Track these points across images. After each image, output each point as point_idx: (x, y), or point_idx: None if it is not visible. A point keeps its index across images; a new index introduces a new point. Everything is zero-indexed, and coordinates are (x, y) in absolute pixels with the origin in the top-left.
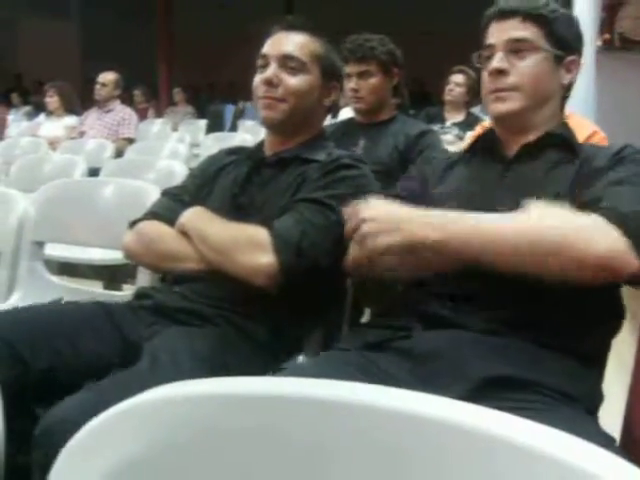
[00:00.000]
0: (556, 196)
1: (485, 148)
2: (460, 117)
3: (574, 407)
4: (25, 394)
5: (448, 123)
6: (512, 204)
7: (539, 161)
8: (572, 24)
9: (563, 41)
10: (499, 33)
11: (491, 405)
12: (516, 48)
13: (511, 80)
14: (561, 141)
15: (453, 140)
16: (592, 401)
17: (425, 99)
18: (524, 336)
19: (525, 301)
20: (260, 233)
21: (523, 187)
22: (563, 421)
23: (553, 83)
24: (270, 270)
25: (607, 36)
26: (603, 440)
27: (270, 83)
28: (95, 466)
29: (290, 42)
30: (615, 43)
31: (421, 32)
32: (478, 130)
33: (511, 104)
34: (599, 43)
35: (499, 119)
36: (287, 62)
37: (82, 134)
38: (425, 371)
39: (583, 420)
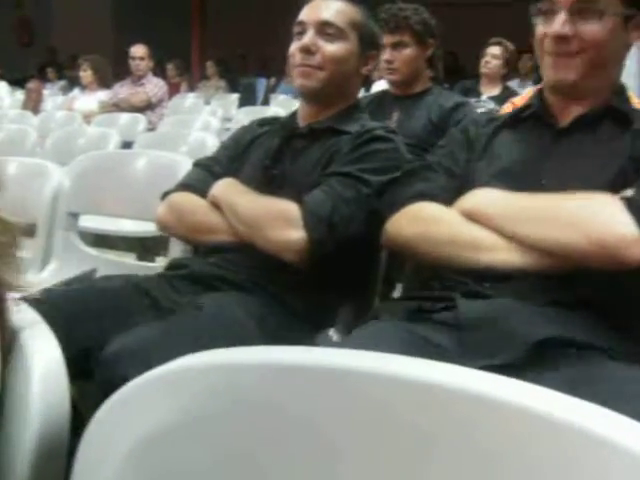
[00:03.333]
0: (612, 176)
1: (534, 115)
2: (496, 91)
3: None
4: None
5: (484, 97)
6: (557, 179)
7: (592, 135)
8: None
9: None
10: None
11: (544, 372)
12: (583, 8)
13: (575, 46)
14: (617, 114)
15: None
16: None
17: (459, 73)
18: (567, 308)
19: (566, 282)
20: (291, 208)
21: (573, 161)
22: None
23: (619, 47)
24: (300, 246)
25: None
26: None
27: (307, 50)
28: (126, 432)
29: (328, 8)
30: None
31: (454, 3)
32: (508, 106)
33: (572, 73)
34: None
35: (556, 87)
36: (325, 29)
37: (116, 105)
38: (471, 340)
39: None
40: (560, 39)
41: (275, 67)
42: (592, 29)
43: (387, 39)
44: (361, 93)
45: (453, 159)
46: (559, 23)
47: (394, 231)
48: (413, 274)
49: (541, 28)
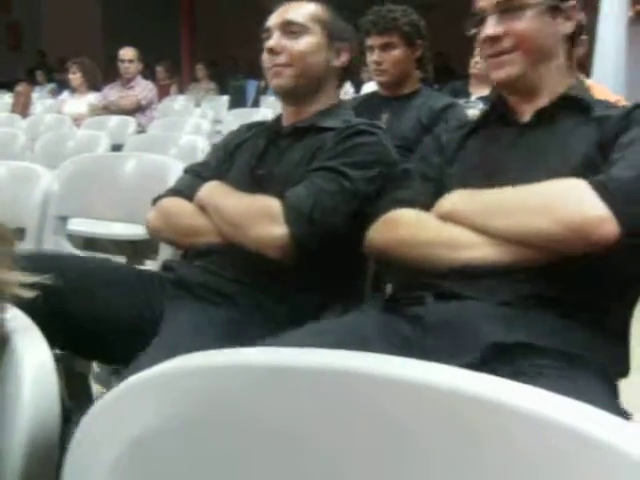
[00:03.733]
0: (578, 162)
1: (497, 116)
2: (486, 91)
3: (589, 375)
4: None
5: (473, 97)
6: (524, 171)
7: (555, 126)
8: None
9: None
10: None
11: (499, 372)
12: (507, 8)
13: (506, 44)
14: (576, 103)
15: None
16: (614, 370)
17: (449, 74)
18: (540, 308)
19: (540, 276)
20: (272, 204)
21: (537, 154)
22: (576, 389)
23: (553, 36)
24: (282, 241)
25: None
26: (616, 411)
27: (273, 51)
28: (114, 436)
29: (289, 11)
30: None
31: (445, 5)
32: None
33: (510, 69)
34: (631, 14)
35: (502, 85)
36: (287, 28)
37: (106, 108)
38: (435, 339)
39: (597, 390)
40: (493, 40)
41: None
42: (521, 25)
43: (376, 40)
44: (351, 95)
45: (427, 164)
46: (489, 26)
47: (373, 238)
48: (395, 275)
49: (478, 38)
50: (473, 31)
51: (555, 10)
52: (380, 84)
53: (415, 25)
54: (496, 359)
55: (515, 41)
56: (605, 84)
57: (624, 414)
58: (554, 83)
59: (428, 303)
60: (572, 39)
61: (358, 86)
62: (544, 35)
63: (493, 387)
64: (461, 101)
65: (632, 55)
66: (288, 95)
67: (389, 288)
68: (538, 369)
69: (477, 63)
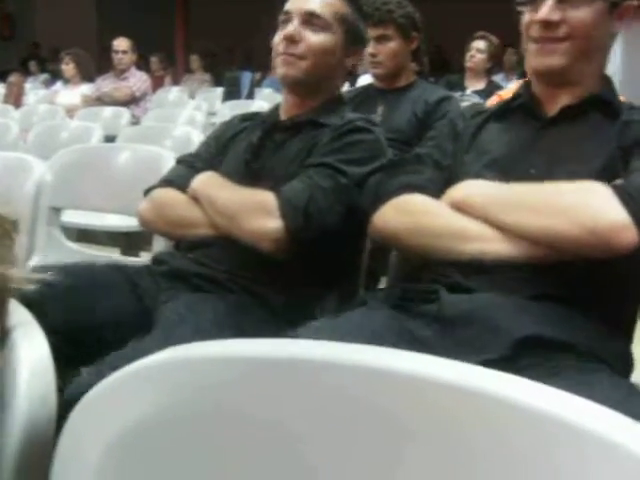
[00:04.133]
0: (600, 164)
1: (521, 106)
2: (481, 85)
3: (607, 370)
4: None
5: (469, 91)
6: (546, 168)
7: (580, 125)
8: None
9: None
10: None
11: (524, 368)
12: None
13: (562, 32)
14: (605, 105)
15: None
16: (624, 364)
17: (445, 67)
18: (552, 302)
19: (549, 274)
20: (267, 198)
21: (559, 152)
22: (599, 386)
23: (605, 35)
24: (277, 235)
25: (637, 2)
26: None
27: (291, 39)
28: (105, 427)
29: (314, 0)
30: None
31: None
32: (494, 99)
33: (558, 59)
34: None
35: (543, 74)
36: (310, 19)
37: (99, 99)
38: (456, 335)
39: (619, 383)
40: (547, 24)
41: (260, 60)
42: (579, 15)
43: (371, 32)
44: (346, 87)
45: (441, 151)
46: (547, 8)
47: (381, 223)
48: (398, 266)
49: (527, 16)
50: (522, 8)
51: (613, 7)
52: (375, 76)
53: (410, 17)
54: (521, 354)
55: (570, 31)
56: None
57: None
58: (590, 80)
59: (442, 297)
60: (613, 39)
61: (354, 78)
62: (598, 31)
63: (485, 380)
64: (456, 94)
65: (627, 54)
66: (293, 86)
67: (383, 280)
68: (563, 363)
69: (472, 57)
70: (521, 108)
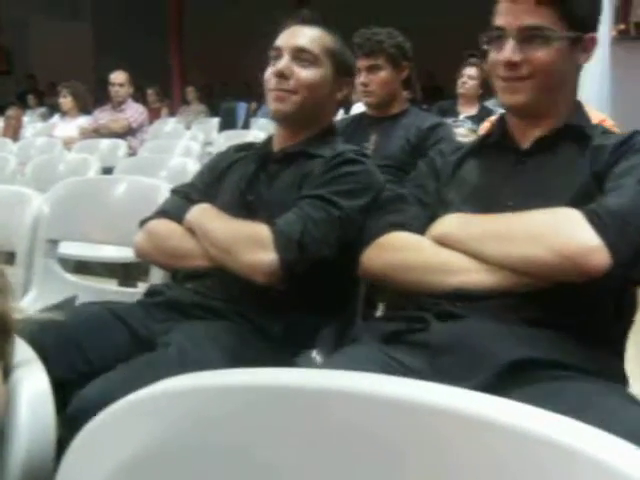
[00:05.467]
0: (575, 192)
1: (497, 140)
2: (473, 110)
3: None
4: None
5: (461, 116)
6: (523, 199)
7: (553, 155)
8: None
9: (581, 20)
10: (511, 16)
11: (515, 390)
12: (530, 36)
13: (525, 71)
14: (577, 132)
15: (466, 133)
16: (616, 382)
17: (437, 93)
18: (540, 327)
19: (531, 301)
20: (262, 230)
21: (535, 183)
22: (597, 391)
23: (569, 68)
24: (271, 267)
25: (622, 26)
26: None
27: (282, 75)
28: (104, 458)
29: (303, 35)
30: (631, 32)
31: (433, 26)
32: (486, 125)
33: (524, 95)
34: (614, 33)
35: (512, 110)
36: (300, 55)
37: (97, 131)
38: (444, 363)
39: (615, 388)
40: (510, 65)
41: (256, 91)
42: (540, 55)
43: (362, 62)
44: (341, 115)
45: (422, 189)
46: (509, 50)
47: (367, 262)
48: (391, 296)
49: (493, 55)
50: (486, 46)
51: (577, 42)
52: (367, 105)
53: (401, 47)
54: (510, 377)
55: (532, 70)
56: (590, 102)
57: None
58: (560, 111)
59: (431, 325)
60: (580, 69)
61: (347, 106)
62: (562, 66)
63: (477, 403)
64: (449, 120)
65: (615, 74)
66: (286, 120)
67: (381, 307)
68: (555, 377)
69: (464, 83)
70: (497, 142)
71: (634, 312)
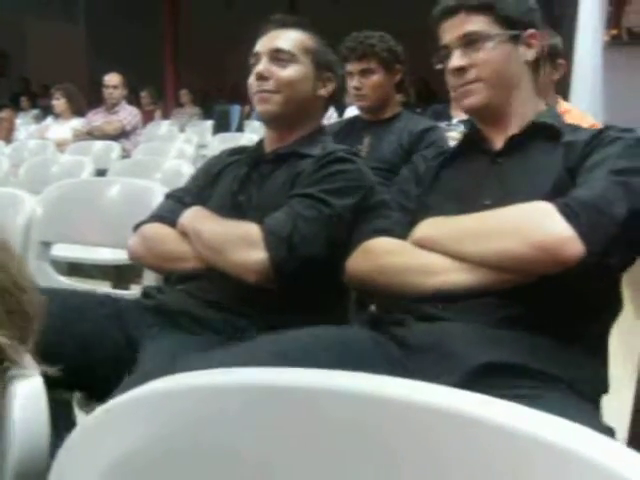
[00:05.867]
0: (550, 188)
1: (471, 144)
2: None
3: (571, 394)
4: None
5: (454, 120)
6: (499, 198)
7: (526, 153)
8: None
9: (513, 20)
10: (450, 31)
11: (481, 393)
12: (469, 41)
13: (472, 74)
14: (546, 129)
15: (459, 137)
16: (594, 388)
17: (432, 98)
18: (515, 330)
19: (512, 299)
20: (252, 229)
21: (509, 181)
22: (558, 409)
23: (516, 64)
24: (262, 266)
25: (615, 31)
26: (600, 429)
27: (262, 77)
28: (97, 458)
29: (279, 37)
30: (623, 38)
31: (426, 30)
32: None
33: (478, 96)
34: (607, 39)
35: (471, 113)
36: (277, 55)
37: (90, 134)
38: (418, 361)
39: (581, 409)
40: (459, 71)
41: (247, 94)
42: (482, 55)
43: (354, 66)
44: (334, 119)
45: (405, 195)
46: (454, 58)
47: (351, 268)
48: (376, 299)
49: (447, 65)
50: (439, 66)
51: (516, 39)
52: (360, 108)
53: (393, 50)
54: (477, 380)
55: (478, 72)
56: (583, 107)
57: (608, 430)
58: (522, 109)
59: (410, 325)
60: (536, 65)
61: (341, 110)
62: (505, 64)
63: (468, 403)
64: (442, 124)
65: (608, 78)
66: (273, 121)
67: (372, 308)
68: (517, 390)
69: None
70: (471, 145)
71: (616, 312)
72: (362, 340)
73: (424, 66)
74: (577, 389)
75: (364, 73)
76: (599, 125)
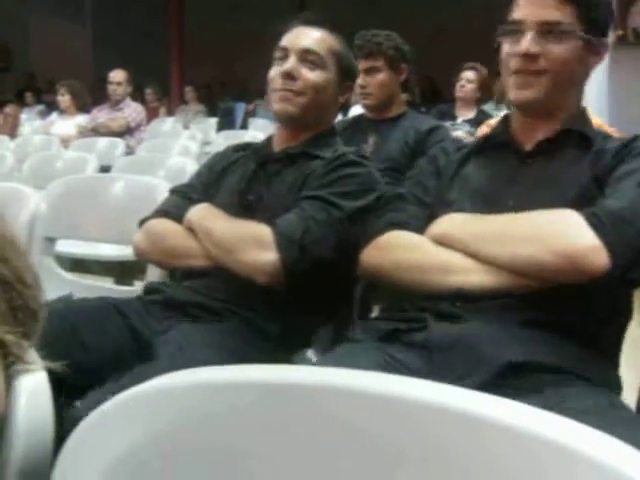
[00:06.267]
0: (576, 195)
1: (500, 140)
2: (471, 114)
3: (589, 385)
4: None
5: (459, 120)
6: (522, 201)
7: (555, 158)
8: (609, 5)
9: (598, 24)
10: (530, 9)
11: (509, 391)
12: (548, 30)
13: (541, 65)
14: (579, 136)
15: (464, 137)
16: (610, 387)
17: (436, 97)
18: (537, 330)
19: (536, 301)
20: (263, 231)
21: (536, 185)
22: (589, 399)
23: (581, 69)
24: (273, 268)
25: (620, 32)
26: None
27: (289, 76)
28: (100, 454)
29: (310, 37)
30: (629, 38)
31: (432, 30)
32: (484, 129)
33: (537, 91)
34: (613, 39)
35: (521, 106)
36: (307, 56)
37: (95, 130)
38: (441, 362)
39: (610, 397)
40: (527, 57)
41: (254, 91)
42: (557, 49)
43: (361, 64)
44: (339, 118)
45: (423, 188)
46: (527, 42)
47: (367, 261)
48: (389, 296)
49: (507, 47)
50: (504, 38)
51: (591, 45)
52: (366, 107)
53: (399, 49)
54: (505, 380)
55: (547, 65)
56: (589, 107)
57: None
58: (567, 112)
59: (430, 325)
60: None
61: (346, 109)
62: (574, 66)
63: (474, 403)
64: (447, 123)
65: (614, 78)
66: (289, 121)
67: (376, 309)
68: (551, 381)
69: (463, 87)
70: (499, 143)
71: (629, 317)
72: (371, 358)
73: (430, 66)
74: (598, 386)
75: (370, 71)
76: (606, 126)
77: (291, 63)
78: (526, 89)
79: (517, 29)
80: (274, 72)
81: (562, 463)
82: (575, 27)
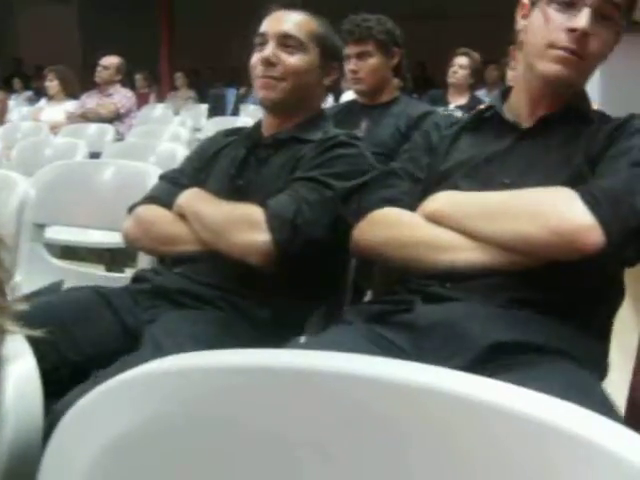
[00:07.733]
0: (570, 172)
1: (496, 116)
2: (463, 100)
3: (580, 369)
4: None
5: (451, 106)
6: (519, 178)
7: (553, 135)
8: None
9: (630, 12)
10: None
11: (495, 371)
12: (605, 15)
13: (591, 47)
14: (579, 114)
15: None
16: (597, 369)
17: (428, 83)
18: (526, 309)
19: (522, 280)
20: (255, 211)
21: (533, 162)
22: (569, 382)
23: (606, 52)
24: (265, 248)
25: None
26: (606, 403)
27: (268, 62)
28: (90, 440)
29: (289, 20)
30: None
31: (423, 15)
32: None
33: (575, 71)
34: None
35: (553, 82)
36: (285, 41)
37: (84, 116)
38: (427, 343)
39: (588, 380)
40: (583, 36)
41: (245, 77)
42: (606, 36)
43: (352, 49)
44: (330, 103)
45: (416, 164)
46: (586, 19)
47: (359, 237)
48: (380, 279)
49: (558, 18)
50: (556, 7)
51: (619, 28)
52: (357, 92)
53: (390, 33)
54: (491, 359)
55: (592, 48)
56: None
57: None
58: (575, 90)
59: (417, 307)
60: None
61: (337, 94)
62: (606, 49)
63: (479, 387)
64: (439, 109)
65: (605, 66)
66: (274, 108)
67: (369, 293)
68: (535, 365)
69: (455, 73)
70: (495, 118)
71: (620, 298)
72: (359, 338)
73: (421, 52)
74: (585, 367)
75: (361, 56)
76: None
77: (270, 49)
78: (563, 66)
79: (573, 2)
80: (255, 59)
81: (568, 449)
82: (620, 15)
